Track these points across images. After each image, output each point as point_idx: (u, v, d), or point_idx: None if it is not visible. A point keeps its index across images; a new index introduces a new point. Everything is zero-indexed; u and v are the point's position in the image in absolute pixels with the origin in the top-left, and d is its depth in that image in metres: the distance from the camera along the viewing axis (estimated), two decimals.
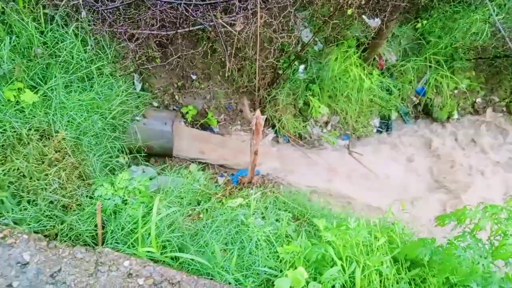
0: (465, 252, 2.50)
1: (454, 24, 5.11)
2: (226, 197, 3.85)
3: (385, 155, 5.75)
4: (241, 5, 3.25)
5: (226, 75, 4.22)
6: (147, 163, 4.03)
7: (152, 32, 3.30)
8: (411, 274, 3.08)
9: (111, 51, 3.19)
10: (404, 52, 5.53)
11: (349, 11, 3.38)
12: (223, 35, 3.42)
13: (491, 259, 2.50)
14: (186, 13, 3.24)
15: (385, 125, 5.92)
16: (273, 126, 5.29)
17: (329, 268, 2.77)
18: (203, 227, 2.94)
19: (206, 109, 5.03)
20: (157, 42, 3.93)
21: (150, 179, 3.23)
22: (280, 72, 5.01)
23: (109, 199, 2.52)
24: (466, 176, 5.44)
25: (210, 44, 4.39)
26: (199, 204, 3.43)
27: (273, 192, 4.01)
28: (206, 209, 3.30)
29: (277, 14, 3.37)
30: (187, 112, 4.87)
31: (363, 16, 4.00)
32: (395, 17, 4.38)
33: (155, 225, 2.49)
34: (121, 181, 2.65)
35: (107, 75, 3.15)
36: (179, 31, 3.35)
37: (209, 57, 4.78)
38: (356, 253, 2.94)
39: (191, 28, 3.41)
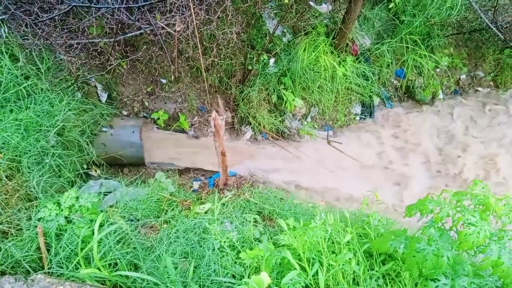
0: (429, 245, 2.36)
1: (427, 0, 4.89)
2: (196, 202, 3.75)
3: (369, 142, 5.58)
4: (177, 5, 3.12)
5: (172, 78, 4.10)
6: (111, 176, 3.95)
7: (90, 41, 3.20)
8: (384, 268, 2.95)
9: (47, 64, 3.09)
10: (379, 35, 5.34)
11: (286, 0, 3.22)
12: (164, 38, 3.30)
13: (456, 251, 2.36)
14: (124, 18, 3.13)
15: (368, 111, 5.75)
16: (250, 124, 5.16)
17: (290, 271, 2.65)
18: (161, 239, 2.84)
19: (178, 113, 4.92)
20: (121, 49, 3.84)
21: (108, 193, 3.14)
22: (250, 68, 4.87)
23: (52, 220, 2.44)
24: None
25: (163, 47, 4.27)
26: (165, 214, 3.34)
27: (244, 194, 3.90)
28: (170, 219, 3.20)
29: (215, 10, 3.23)
30: (158, 118, 4.77)
31: (310, 3, 3.83)
32: (360, 0, 4.19)
33: (101, 243, 2.39)
34: (67, 200, 2.56)
35: (46, 90, 3.06)
36: (118, 38, 3.24)
37: (176, 59, 4.67)
38: (322, 253, 2.82)
39: (130, 34, 3.30)
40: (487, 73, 5.67)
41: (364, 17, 5.17)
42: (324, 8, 3.93)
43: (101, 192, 2.96)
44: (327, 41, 4.92)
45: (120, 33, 3.41)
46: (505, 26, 4.28)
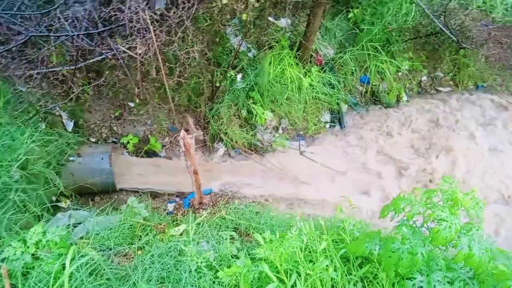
0: (404, 244, 2.41)
1: (384, 9, 5.09)
2: (171, 224, 3.70)
3: (340, 148, 5.67)
4: (137, 28, 3.13)
5: (137, 100, 4.06)
6: (82, 206, 3.86)
7: (51, 69, 3.15)
8: (362, 272, 2.98)
9: (6, 97, 3.02)
10: (341, 44, 5.49)
11: (244, 16, 3.29)
12: (126, 61, 3.30)
13: (430, 247, 2.42)
14: (84, 45, 3.10)
15: (337, 118, 5.86)
16: (222, 140, 5.16)
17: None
18: (136, 266, 2.78)
19: (149, 135, 4.87)
20: (83, 76, 3.78)
21: (78, 224, 3.05)
22: (218, 85, 4.90)
23: (18, 259, 2.35)
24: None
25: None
26: (139, 240, 3.27)
27: (220, 211, 3.87)
28: (144, 245, 3.14)
29: (176, 31, 3.26)
30: (127, 142, 4.70)
31: (269, 18, 3.92)
32: (319, 13, 4.31)
33: (72, 277, 2.32)
34: (33, 236, 2.48)
35: (6, 123, 2.97)
36: (79, 65, 3.21)
37: (141, 82, 4.64)
38: (299, 263, 2.83)
39: (92, 60, 3.27)
40: (446, 73, 5.91)
41: (326, 28, 5.32)
42: (283, 22, 4.03)
43: (70, 224, 2.87)
44: (292, 54, 5.03)
45: (81, 60, 3.38)
46: (456, 28, 4.50)
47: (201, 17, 3.36)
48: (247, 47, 4.98)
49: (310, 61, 5.23)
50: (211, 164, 5.13)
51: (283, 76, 4.85)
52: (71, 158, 4.11)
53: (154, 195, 4.53)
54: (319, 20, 4.43)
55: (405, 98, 5.91)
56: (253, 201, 4.77)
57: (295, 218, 4.25)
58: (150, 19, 2.99)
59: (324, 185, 5.21)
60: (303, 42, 4.73)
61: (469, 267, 2.29)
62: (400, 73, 5.74)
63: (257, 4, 3.22)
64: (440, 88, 6.05)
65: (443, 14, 4.36)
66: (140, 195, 4.25)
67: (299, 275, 2.71)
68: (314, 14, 4.36)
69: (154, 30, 2.98)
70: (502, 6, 4.64)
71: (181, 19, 3.04)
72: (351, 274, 2.98)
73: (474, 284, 2.40)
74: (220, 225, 3.61)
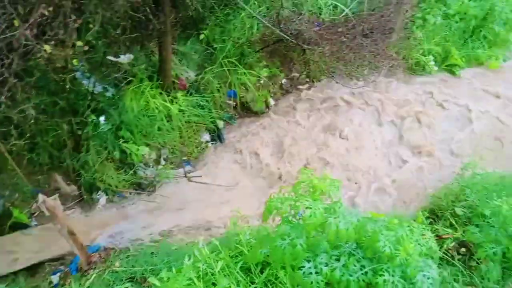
0: (284, 240, 2.51)
1: (230, 26, 5.37)
2: None
3: (227, 163, 5.77)
4: None
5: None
6: None
7: None
8: (263, 277, 3.03)
9: None
10: (200, 65, 5.63)
11: (75, 61, 3.16)
12: None
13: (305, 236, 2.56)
14: None
15: (217, 136, 5.97)
16: (100, 189, 4.81)
17: None
18: None
19: (10, 208, 4.27)
20: None
21: None
22: (80, 133, 4.56)
23: None
24: None
25: None
26: None
27: (112, 265, 3.58)
28: None
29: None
30: None
31: (108, 57, 3.85)
32: (168, 41, 4.34)
33: None
34: None
35: None
36: None
37: None
38: None
39: None
40: (301, 73, 6.50)
41: (181, 53, 5.39)
42: (125, 59, 3.96)
43: None
44: (153, 84, 4.96)
45: None
46: (295, 33, 4.99)
47: (35, 69, 3.07)
48: (103, 87, 4.75)
49: (174, 87, 5.23)
50: (93, 217, 4.73)
51: (148, 108, 4.75)
52: None
53: (32, 271, 3.96)
54: (170, 47, 4.47)
55: (272, 103, 6.31)
56: (149, 241, 4.55)
57: (197, 245, 4.17)
58: None
59: (219, 203, 5.22)
60: (161, 71, 4.72)
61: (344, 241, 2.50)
62: (262, 81, 6.11)
63: (86, 47, 3.07)
64: (300, 86, 6.62)
65: (278, 22, 4.81)
66: (12, 280, 3.67)
67: None
68: (163, 43, 4.38)
69: None
70: (327, 8, 5.33)
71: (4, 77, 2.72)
72: (253, 282, 3.02)
73: (359, 253, 2.63)
74: (113, 281, 3.34)
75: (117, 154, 4.78)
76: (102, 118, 4.75)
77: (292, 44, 5.20)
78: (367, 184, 5.37)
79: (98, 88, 4.68)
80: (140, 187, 5.22)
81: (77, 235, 3.48)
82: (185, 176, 5.25)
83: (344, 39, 4.94)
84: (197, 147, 5.71)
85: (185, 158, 5.65)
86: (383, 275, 2.44)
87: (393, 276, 2.46)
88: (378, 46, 4.94)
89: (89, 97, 4.55)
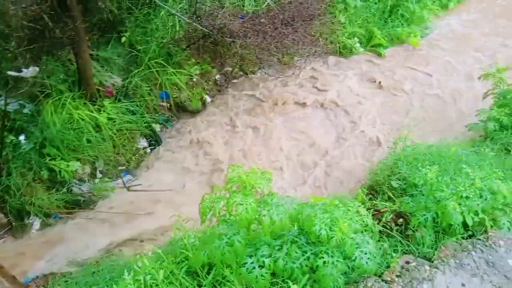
0: (222, 240, 2.48)
1: (152, 25, 5.18)
2: None
3: (169, 167, 5.61)
4: None
5: None
6: None
7: None
8: (210, 278, 2.97)
9: None
10: (126, 69, 5.38)
11: None
12: None
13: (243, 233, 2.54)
14: None
15: (154, 140, 5.77)
16: (31, 213, 4.46)
17: None
18: None
19: None
20: None
21: None
22: None
23: None
24: None
25: None
26: None
27: None
28: None
29: None
30: None
31: (9, 72, 3.56)
32: (83, 48, 4.08)
33: None
34: None
35: None
36: None
37: None
38: None
39: None
40: (234, 66, 6.45)
41: (104, 59, 5.11)
42: (28, 73, 3.67)
43: None
44: (75, 94, 4.66)
45: None
46: (218, 27, 4.91)
47: None
48: (19, 103, 4.38)
49: (100, 95, 4.95)
50: (28, 244, 4.38)
51: (72, 121, 4.46)
52: None
53: None
54: (86, 54, 4.20)
55: (208, 99, 6.22)
56: (93, 260, 4.30)
57: (140, 257, 4.01)
58: None
59: (165, 209, 5.05)
60: (81, 79, 4.43)
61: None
62: (194, 79, 5.98)
63: None
64: (234, 80, 6.58)
65: (197, 18, 4.72)
66: None
67: None
68: (77, 50, 4.11)
69: None
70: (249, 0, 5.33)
71: None
72: (201, 285, 2.96)
73: (302, 239, 2.66)
74: None
75: (44, 173, 4.45)
76: (22, 137, 4.38)
77: (218, 39, 5.13)
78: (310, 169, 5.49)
79: (13, 106, 4.31)
80: (77, 204, 4.92)
81: (4, 268, 3.19)
82: (124, 187, 5.02)
83: (268, 29, 4.95)
84: (134, 155, 5.49)
85: (123, 167, 5.41)
86: (323, 257, 2.49)
87: (332, 257, 2.52)
88: (299, 33, 5.02)
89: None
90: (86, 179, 5.05)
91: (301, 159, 5.63)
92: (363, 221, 2.83)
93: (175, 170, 5.58)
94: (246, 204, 2.23)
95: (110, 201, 5.07)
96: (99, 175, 5.15)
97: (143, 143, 5.67)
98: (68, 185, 4.74)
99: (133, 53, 5.35)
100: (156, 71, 5.39)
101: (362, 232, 3.05)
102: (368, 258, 2.57)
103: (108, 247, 4.54)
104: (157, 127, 5.85)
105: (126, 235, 4.72)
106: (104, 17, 4.38)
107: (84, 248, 4.50)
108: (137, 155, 5.53)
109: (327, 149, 5.73)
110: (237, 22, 4.86)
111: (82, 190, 4.93)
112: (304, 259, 2.59)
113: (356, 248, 2.57)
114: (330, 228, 2.50)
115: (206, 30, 4.78)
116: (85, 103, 4.69)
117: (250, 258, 2.53)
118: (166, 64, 5.38)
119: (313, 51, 5.42)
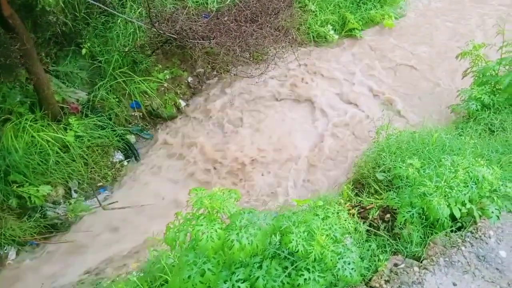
0: (192, 270, 2.30)
1: (112, 34, 4.90)
2: None
3: (148, 179, 5.40)
4: None
5: None
6: None
7: None
8: None
9: None
10: (91, 82, 5.11)
11: None
12: None
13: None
14: None
15: (131, 151, 5.53)
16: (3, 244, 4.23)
17: None
18: None
19: None
20: None
21: None
22: None
23: None
24: None
25: None
26: None
27: None
28: None
29: None
30: None
31: None
32: (35, 63, 3.81)
33: None
34: None
35: None
36: None
37: None
38: None
39: None
40: (205, 68, 6.20)
41: (64, 74, 4.83)
42: None
43: None
44: (37, 116, 4.40)
45: None
46: (179, 31, 4.64)
47: None
48: None
49: (65, 113, 4.69)
50: (3, 276, 4.17)
51: (36, 145, 4.20)
52: None
53: None
54: (41, 72, 3.93)
55: (182, 104, 5.98)
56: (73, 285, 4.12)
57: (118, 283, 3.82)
58: None
59: (146, 224, 4.85)
60: (41, 99, 4.17)
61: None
62: (165, 85, 5.73)
63: None
64: (209, 81, 6.34)
65: (152, 23, 4.46)
66: None
67: None
68: (31, 69, 3.84)
69: None
70: None
71: None
72: None
73: (284, 251, 2.50)
74: None
75: (13, 201, 4.22)
76: None
77: (182, 42, 4.87)
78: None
79: None
80: (55, 228, 4.70)
81: None
82: (100, 205, 4.79)
83: (232, 28, 4.71)
84: (111, 169, 5.26)
85: (100, 184, 5.19)
86: (303, 275, 2.34)
87: (313, 272, 2.36)
88: (264, 30, 4.78)
89: None
90: (61, 201, 4.82)
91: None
92: (344, 227, 2.67)
93: (153, 181, 5.37)
94: (211, 232, 2.04)
95: (89, 221, 4.86)
96: (74, 195, 4.92)
97: (119, 156, 5.43)
98: (41, 210, 4.51)
99: (96, 65, 5.07)
100: (123, 81, 5.14)
101: (349, 234, 2.93)
102: (352, 269, 2.42)
103: (87, 271, 4.36)
104: (132, 138, 5.61)
105: (105, 256, 4.53)
106: (59, 31, 4.10)
107: (62, 273, 4.31)
108: (113, 169, 5.30)
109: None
110: (200, 23, 4.60)
111: (58, 213, 4.71)
112: (286, 276, 2.43)
113: (339, 259, 2.42)
114: (308, 242, 2.34)
115: (168, 34, 4.53)
116: (48, 124, 4.43)
117: (225, 283, 2.36)
118: (131, 73, 5.11)
119: (282, 45, 5.18)
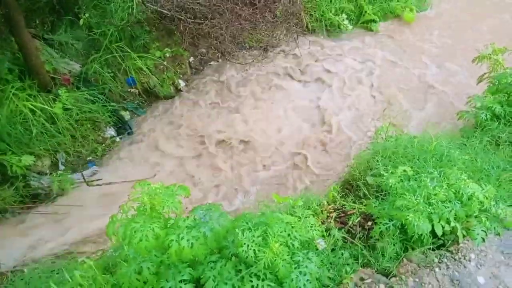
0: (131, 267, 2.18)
1: (111, 6, 4.74)
2: None
3: (141, 156, 5.30)
4: None
5: None
6: None
7: None
8: None
9: None
10: (86, 54, 4.99)
11: None
12: None
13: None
14: None
15: (124, 128, 5.44)
16: None
17: None
18: None
19: None
20: None
21: None
22: None
23: None
24: None
25: None
26: None
27: None
28: None
29: None
30: None
31: None
32: (21, 30, 3.70)
33: None
34: None
35: None
36: None
37: None
38: None
39: None
40: (208, 48, 5.99)
41: (59, 43, 4.73)
42: None
43: None
44: (25, 84, 4.32)
45: None
46: (179, 8, 4.43)
47: None
48: None
49: (55, 84, 4.60)
50: None
51: (21, 113, 4.14)
52: None
53: None
54: (29, 39, 3.83)
55: (182, 84, 5.81)
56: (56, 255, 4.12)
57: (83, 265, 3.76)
58: None
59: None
60: (29, 68, 4.08)
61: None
62: (165, 62, 5.56)
63: None
64: (212, 63, 6.14)
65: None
66: None
67: None
68: (18, 36, 3.73)
69: None
70: None
71: None
72: None
73: (237, 256, 2.36)
74: None
75: None
76: None
77: (183, 20, 4.67)
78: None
79: None
80: (38, 198, 4.69)
81: None
82: (85, 181, 4.74)
83: (237, 8, 4.46)
84: (101, 144, 5.19)
85: (90, 158, 5.14)
86: (251, 281, 2.20)
87: (263, 280, 2.22)
88: (265, 14, 4.50)
89: None
90: (47, 171, 4.80)
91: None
92: (308, 235, 2.50)
93: (146, 158, 5.28)
94: (147, 231, 1.90)
95: (75, 194, 4.83)
96: (61, 167, 4.88)
97: (111, 132, 5.35)
98: (25, 179, 4.50)
99: (92, 37, 4.94)
100: (119, 55, 5.00)
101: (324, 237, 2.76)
102: (307, 280, 2.25)
103: (65, 243, 4.34)
104: (126, 115, 5.51)
105: (87, 231, 4.50)
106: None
107: (41, 244, 4.31)
108: (103, 144, 5.23)
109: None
110: (196, 1, 4.36)
111: (42, 183, 4.69)
112: (238, 280, 2.29)
113: (295, 268, 2.25)
114: (260, 248, 2.19)
115: (159, 9, 4.33)
116: (38, 94, 4.35)
117: (168, 281, 2.23)
118: (128, 48, 4.96)
119: (282, 31, 4.89)
